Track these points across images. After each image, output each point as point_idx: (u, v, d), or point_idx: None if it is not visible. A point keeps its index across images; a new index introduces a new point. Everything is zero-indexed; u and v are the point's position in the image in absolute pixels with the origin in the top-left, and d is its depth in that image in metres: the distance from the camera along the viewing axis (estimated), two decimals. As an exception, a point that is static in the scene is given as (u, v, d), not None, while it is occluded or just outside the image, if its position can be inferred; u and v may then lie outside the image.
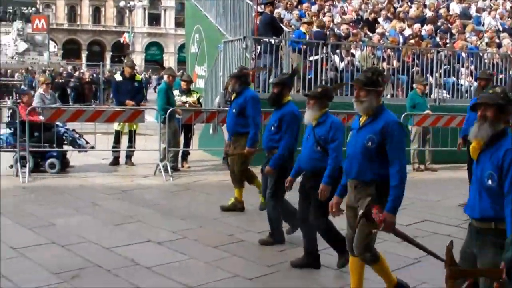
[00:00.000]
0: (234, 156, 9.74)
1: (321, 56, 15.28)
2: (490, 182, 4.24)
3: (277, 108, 8.12)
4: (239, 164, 9.72)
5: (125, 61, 14.90)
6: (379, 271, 5.91)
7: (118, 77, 14.70)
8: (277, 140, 7.97)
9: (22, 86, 24.11)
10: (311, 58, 15.31)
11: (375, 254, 5.75)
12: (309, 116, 6.87)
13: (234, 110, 9.66)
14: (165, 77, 14.00)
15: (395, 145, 5.44)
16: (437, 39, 18.74)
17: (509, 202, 4.10)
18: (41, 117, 12.69)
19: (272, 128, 8.02)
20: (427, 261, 7.42)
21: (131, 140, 14.12)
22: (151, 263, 7.12)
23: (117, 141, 14.10)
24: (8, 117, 13.64)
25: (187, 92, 14.24)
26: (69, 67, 46.49)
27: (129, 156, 14.15)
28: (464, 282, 4.40)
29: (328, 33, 16.75)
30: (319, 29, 16.29)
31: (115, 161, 14.08)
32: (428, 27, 19.15)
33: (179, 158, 13.95)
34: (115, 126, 13.95)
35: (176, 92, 14.01)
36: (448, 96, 17.09)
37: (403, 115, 14.10)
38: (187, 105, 13.92)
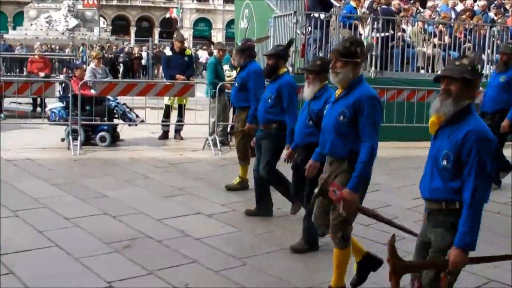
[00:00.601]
0: (238, 133, 9.65)
1: (389, 33, 15.22)
2: (445, 162, 4.01)
3: (272, 79, 7.87)
4: (238, 139, 9.63)
5: (175, 35, 14.95)
6: (341, 259, 5.51)
7: (168, 51, 14.77)
8: (274, 113, 7.72)
9: (75, 61, 24.32)
10: (382, 35, 15.23)
11: (348, 238, 5.45)
12: (309, 93, 6.50)
13: (236, 84, 9.58)
14: (215, 51, 14.04)
15: (366, 119, 5.14)
16: (491, 14, 18.38)
17: (469, 188, 3.91)
18: (92, 91, 12.87)
19: (269, 100, 7.75)
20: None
21: (181, 115, 14.23)
22: (200, 234, 7.20)
23: (166, 115, 14.22)
24: (60, 91, 13.83)
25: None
26: (125, 43, 46.83)
27: (178, 130, 14.26)
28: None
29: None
30: (385, 6, 16.17)
31: (165, 135, 14.20)
32: (481, 3, 18.77)
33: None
34: (165, 100, 14.07)
35: (226, 67, 14.03)
36: None
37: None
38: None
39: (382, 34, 15.20)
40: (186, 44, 15.11)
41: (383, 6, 16.16)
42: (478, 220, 3.94)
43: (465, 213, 3.91)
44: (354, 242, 5.73)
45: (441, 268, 4.01)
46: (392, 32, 15.47)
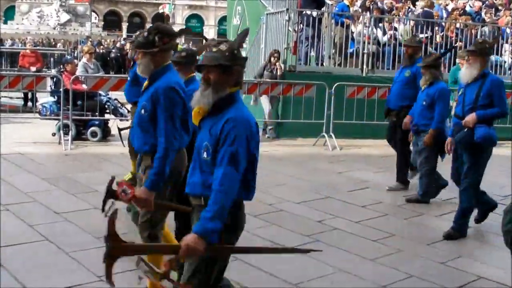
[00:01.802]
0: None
1: (428, 34, 15.48)
2: (205, 155, 3.78)
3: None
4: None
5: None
6: (150, 260, 5.17)
7: (159, 47, 14.74)
8: None
9: (66, 55, 24.29)
10: (421, 35, 15.41)
11: (155, 237, 5.03)
12: None
13: (129, 78, 9.27)
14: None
15: (161, 112, 4.81)
16: (483, 14, 18.48)
17: (218, 176, 3.67)
18: (84, 86, 12.84)
19: None
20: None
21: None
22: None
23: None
24: (51, 86, 13.80)
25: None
26: (119, 38, 46.72)
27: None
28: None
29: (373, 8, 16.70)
30: (427, 9, 16.46)
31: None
32: (476, 3, 18.87)
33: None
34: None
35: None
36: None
37: (445, 90, 13.99)
38: None
39: (422, 35, 15.35)
40: (177, 40, 15.03)
41: (425, 9, 16.49)
42: (223, 210, 3.65)
43: (211, 200, 3.64)
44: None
45: (173, 253, 3.76)
46: (431, 33, 15.74)
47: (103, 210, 4.62)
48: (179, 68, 6.10)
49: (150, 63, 4.98)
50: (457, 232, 7.39)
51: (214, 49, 3.81)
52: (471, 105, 7.34)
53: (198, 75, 5.82)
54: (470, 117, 7.25)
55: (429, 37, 15.65)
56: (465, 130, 7.29)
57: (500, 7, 19.55)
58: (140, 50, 4.98)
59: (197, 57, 6.46)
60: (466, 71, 7.56)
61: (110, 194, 4.69)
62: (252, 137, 3.81)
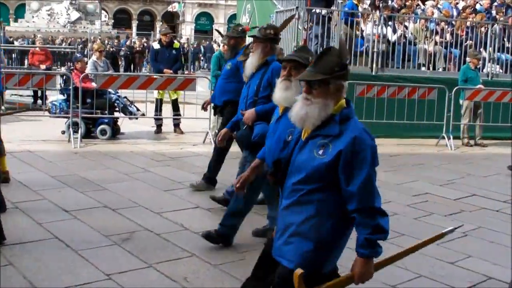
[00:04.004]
0: None
1: None
2: None
3: None
4: None
5: (159, 29, 15.02)
6: None
7: (156, 45, 14.70)
8: None
9: (76, 53, 24.34)
10: None
11: None
12: None
13: None
14: (221, 46, 14.08)
15: None
16: (493, 13, 18.41)
17: None
18: (94, 84, 12.86)
19: None
20: (474, 235, 7.44)
21: (176, 109, 14.22)
22: (200, 228, 7.19)
23: (157, 109, 14.16)
24: (61, 83, 13.84)
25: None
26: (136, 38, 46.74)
27: (177, 125, 14.25)
28: None
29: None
30: None
31: (158, 129, 14.19)
32: (485, 1, 18.81)
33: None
34: (155, 94, 14.04)
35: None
36: (501, 71, 16.81)
37: (454, 89, 13.96)
38: None
39: None
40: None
41: None
42: None
43: None
44: None
45: None
46: None
47: None
48: None
49: None
50: (220, 236, 6.59)
51: None
52: (253, 98, 6.66)
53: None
54: (249, 113, 6.53)
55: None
56: (245, 127, 6.60)
57: (510, 5, 19.48)
58: None
59: None
60: (248, 61, 6.81)
61: None
62: None
